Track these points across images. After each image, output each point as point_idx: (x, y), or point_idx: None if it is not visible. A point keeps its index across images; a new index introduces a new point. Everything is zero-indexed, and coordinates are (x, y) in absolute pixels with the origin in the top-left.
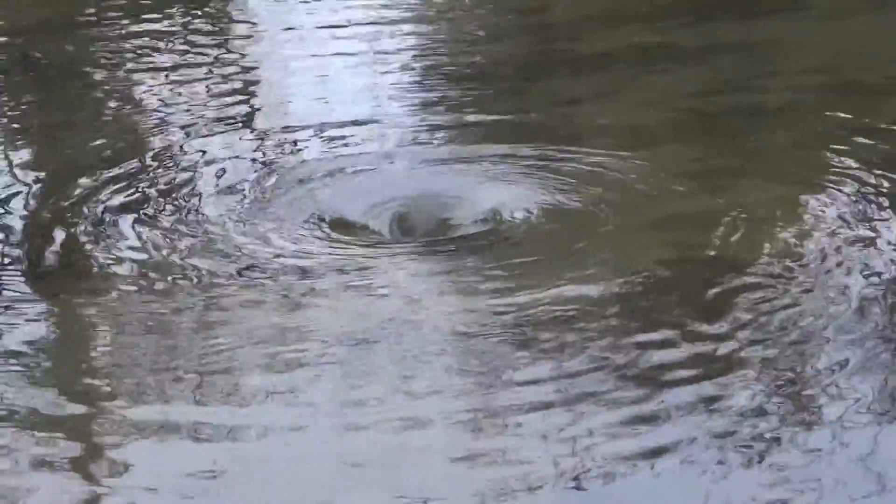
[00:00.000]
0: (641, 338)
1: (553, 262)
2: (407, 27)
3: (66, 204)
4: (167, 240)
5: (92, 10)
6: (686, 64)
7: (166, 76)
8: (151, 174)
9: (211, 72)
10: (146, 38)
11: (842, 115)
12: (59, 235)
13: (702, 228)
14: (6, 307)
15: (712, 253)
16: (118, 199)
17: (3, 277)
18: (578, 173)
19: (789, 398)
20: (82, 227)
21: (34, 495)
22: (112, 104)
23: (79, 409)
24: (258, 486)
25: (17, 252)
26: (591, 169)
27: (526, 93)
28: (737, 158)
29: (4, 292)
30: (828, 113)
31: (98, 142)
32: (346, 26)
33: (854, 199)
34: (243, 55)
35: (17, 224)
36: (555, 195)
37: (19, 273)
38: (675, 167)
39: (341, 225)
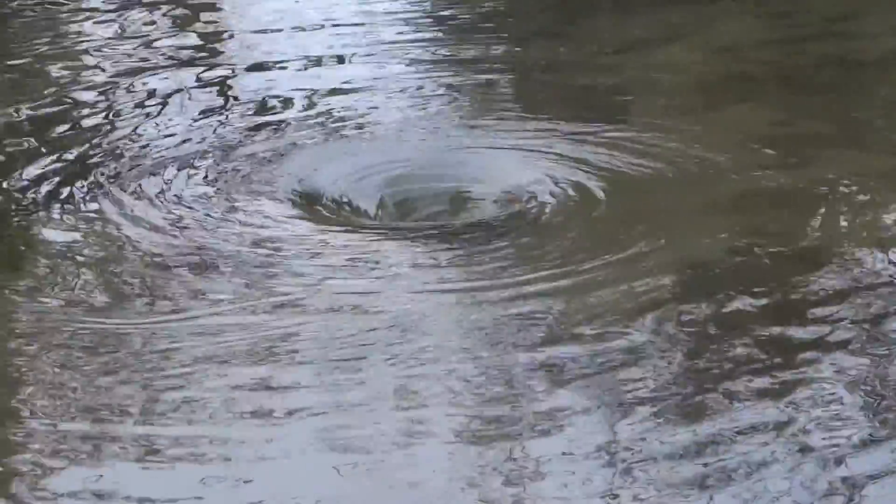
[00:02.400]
0: (703, 355)
1: (595, 253)
2: None
3: None
4: (110, 223)
5: None
6: (765, 3)
7: (113, 23)
8: (90, 136)
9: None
10: None
11: None
12: None
13: (782, 210)
14: None
15: (794, 242)
16: (42, 170)
17: None
18: (627, 142)
19: (880, 423)
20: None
21: None
22: (43, 57)
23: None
24: None
25: None
26: (642, 136)
27: (563, 37)
28: (827, 123)
29: None
30: None
31: (25, 102)
32: None
33: None
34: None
35: None
36: (598, 170)
37: None
38: (749, 133)
39: (328, 206)
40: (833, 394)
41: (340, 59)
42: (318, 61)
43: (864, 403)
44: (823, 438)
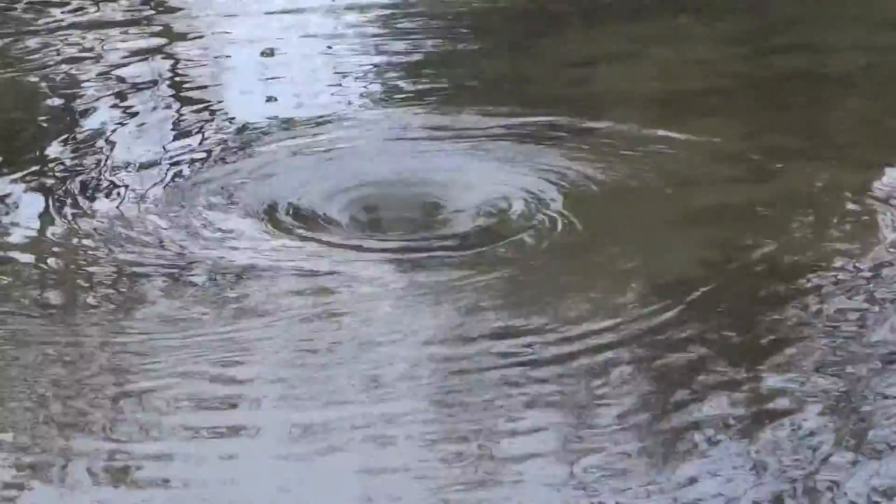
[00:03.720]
0: (674, 366)
1: (564, 268)
2: None
3: None
4: (79, 236)
5: None
6: (731, 15)
7: (82, 37)
8: (58, 155)
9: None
10: None
11: None
12: None
13: (750, 224)
14: None
15: (763, 254)
16: (13, 177)
17: None
18: (595, 155)
19: (855, 436)
20: None
21: None
22: (12, 64)
23: None
24: None
25: None
26: (611, 149)
27: (529, 50)
28: (795, 136)
29: None
30: None
31: None
32: None
33: None
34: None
35: None
36: (565, 183)
37: None
38: (718, 146)
39: (296, 215)
40: (803, 408)
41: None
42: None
43: (833, 415)
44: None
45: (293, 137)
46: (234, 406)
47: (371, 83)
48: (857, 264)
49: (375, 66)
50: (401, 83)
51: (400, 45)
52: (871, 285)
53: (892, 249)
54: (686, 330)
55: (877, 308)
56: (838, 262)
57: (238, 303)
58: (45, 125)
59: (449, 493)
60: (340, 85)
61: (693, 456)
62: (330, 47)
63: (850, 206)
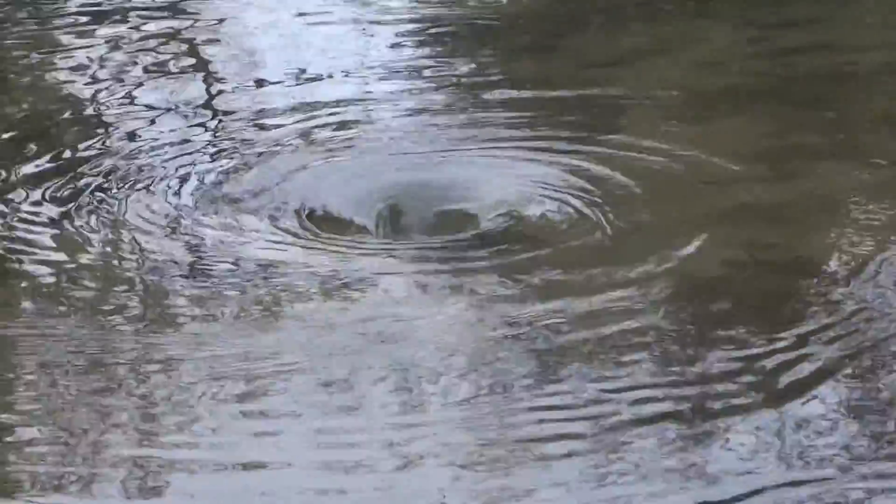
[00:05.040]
0: (696, 363)
1: (587, 267)
2: None
3: None
4: (101, 235)
5: None
6: (753, 13)
7: (108, 44)
8: (82, 150)
9: (152, 27)
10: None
11: None
12: None
13: (773, 224)
14: None
15: (785, 254)
16: (40, 183)
17: None
18: (618, 154)
19: (870, 435)
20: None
21: None
22: (40, 74)
23: None
24: None
25: None
26: (633, 148)
27: (552, 52)
28: (817, 135)
29: None
30: None
31: (14, 111)
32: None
33: None
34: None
35: None
36: (589, 183)
37: None
38: (741, 146)
39: (323, 220)
40: (820, 400)
41: (330, 76)
42: (309, 78)
43: (850, 411)
44: (808, 441)
45: (323, 142)
46: (265, 394)
47: (399, 85)
48: (877, 261)
49: (404, 67)
50: (429, 84)
51: (429, 48)
52: (889, 284)
53: None
54: (700, 321)
55: (885, 301)
56: (859, 260)
57: (269, 295)
58: (78, 127)
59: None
60: (368, 84)
61: (719, 436)
62: (360, 46)
63: (872, 205)
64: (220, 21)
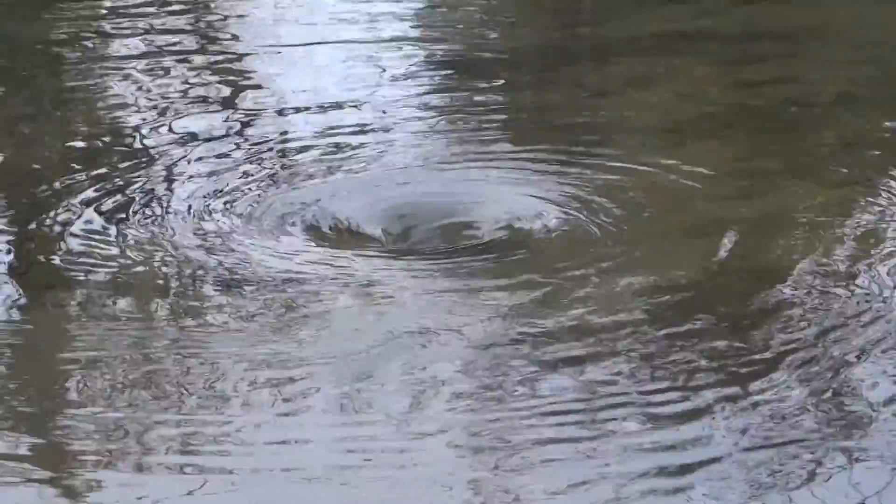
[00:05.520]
0: (672, 357)
1: (577, 274)
2: (421, 11)
3: (32, 204)
4: (145, 245)
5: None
6: (725, 52)
7: (153, 76)
8: (127, 171)
9: (192, 58)
10: (126, 19)
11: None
12: (25, 238)
13: (741, 236)
14: None
15: (756, 263)
16: (90, 199)
17: None
18: (605, 174)
19: (829, 421)
20: (49, 231)
21: None
22: (83, 93)
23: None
24: None
25: None
26: (619, 169)
27: (548, 83)
28: (780, 158)
29: None
30: (879, 107)
31: (70, 137)
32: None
33: None
34: (228, 39)
35: None
36: (579, 199)
37: None
38: (714, 168)
39: (342, 232)
40: (788, 397)
41: (351, 105)
42: (333, 105)
43: (812, 407)
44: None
45: (342, 163)
46: (292, 382)
47: (413, 110)
48: (834, 268)
49: (418, 95)
50: (438, 111)
51: (439, 78)
52: (843, 289)
53: (860, 255)
54: (680, 323)
55: (841, 303)
56: (816, 267)
57: (296, 299)
58: (124, 151)
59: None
60: (384, 112)
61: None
62: (377, 83)
63: (827, 219)
64: (243, 57)
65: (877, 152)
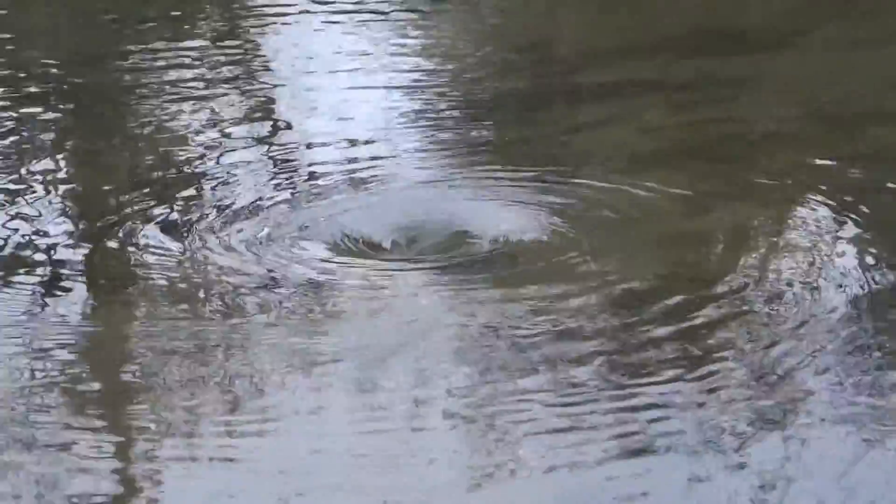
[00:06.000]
0: (635, 340)
1: (552, 279)
2: (422, 62)
3: (103, 222)
4: (197, 256)
5: (129, 46)
6: (678, 97)
7: (194, 103)
8: (182, 194)
9: (234, 101)
10: (177, 69)
11: (818, 143)
12: (97, 251)
13: (690, 247)
14: (48, 317)
15: (700, 270)
16: (151, 218)
17: (55, 290)
18: (578, 196)
19: (765, 402)
20: (116, 244)
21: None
22: (145, 129)
23: (110, 413)
24: (279, 472)
25: (62, 262)
26: (589, 192)
27: (529, 121)
28: (724, 182)
29: (49, 302)
30: (806, 142)
31: (132, 164)
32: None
33: (827, 220)
34: (266, 82)
35: (60, 240)
36: (556, 216)
37: (62, 285)
38: (667, 191)
39: (357, 243)
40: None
41: (366, 142)
42: (352, 140)
43: (753, 397)
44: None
45: (360, 186)
46: (318, 368)
47: (413, 145)
48: (767, 274)
49: (422, 131)
50: (435, 145)
51: (434, 117)
52: (773, 289)
53: (791, 267)
54: (646, 324)
55: (779, 308)
56: (753, 273)
57: (321, 300)
58: (182, 176)
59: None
60: (392, 144)
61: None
62: (388, 122)
63: (765, 233)
64: (281, 98)
65: (801, 179)
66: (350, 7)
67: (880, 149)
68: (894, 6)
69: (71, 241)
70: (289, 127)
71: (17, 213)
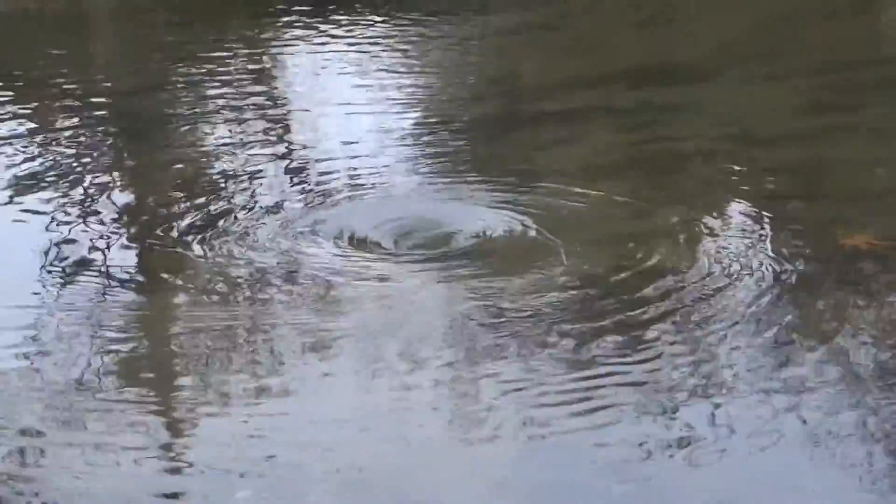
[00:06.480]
0: (588, 319)
1: (517, 269)
2: (413, 92)
3: (150, 225)
4: (231, 251)
5: (176, 78)
6: (622, 121)
7: (230, 129)
8: (213, 200)
9: (257, 124)
10: (211, 99)
11: (740, 159)
12: (146, 250)
13: (634, 244)
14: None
15: (641, 261)
16: (189, 220)
17: (109, 281)
18: (541, 202)
19: (696, 375)
20: (162, 243)
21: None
22: (184, 148)
23: (157, 377)
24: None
25: (118, 258)
26: (549, 198)
27: (500, 140)
28: (660, 190)
29: (109, 291)
30: (727, 157)
31: (174, 176)
32: (362, 103)
33: (745, 220)
34: (282, 107)
35: (115, 240)
36: (523, 219)
37: (114, 278)
38: (612, 198)
39: (359, 241)
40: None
41: (370, 155)
42: (355, 155)
43: (681, 374)
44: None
45: (361, 194)
46: (329, 342)
47: (405, 159)
48: (700, 267)
49: (412, 148)
50: (423, 158)
51: (425, 137)
52: (703, 279)
53: (718, 260)
54: (598, 303)
55: (708, 294)
56: (688, 266)
57: (332, 287)
58: (215, 182)
59: None
60: (388, 160)
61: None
62: (384, 141)
63: (695, 231)
64: (298, 123)
65: (723, 187)
66: (347, 47)
67: (787, 162)
68: (784, 51)
69: (124, 241)
70: (301, 144)
71: (83, 219)
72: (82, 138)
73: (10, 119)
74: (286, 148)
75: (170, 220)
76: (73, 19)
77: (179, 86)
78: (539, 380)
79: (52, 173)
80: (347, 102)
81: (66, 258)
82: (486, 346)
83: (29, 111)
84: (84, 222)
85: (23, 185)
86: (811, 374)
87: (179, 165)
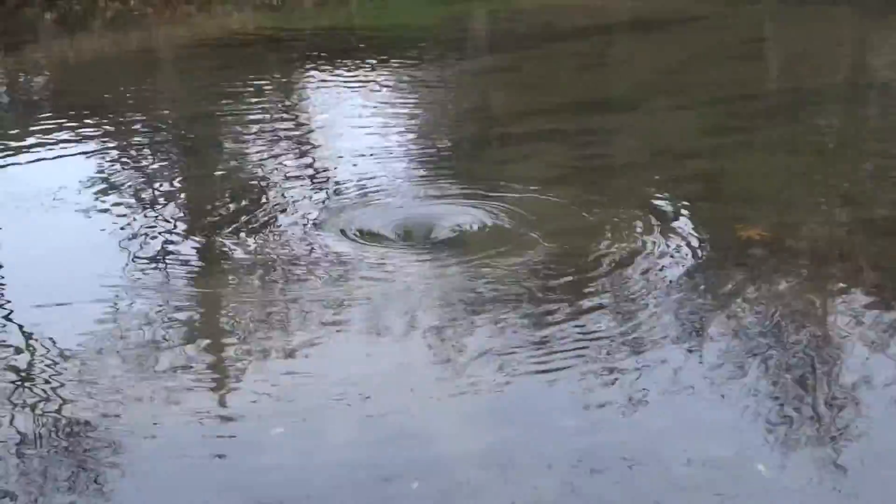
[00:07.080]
0: (546, 295)
1: (489, 253)
2: (408, 121)
3: (205, 225)
4: (268, 242)
5: (224, 109)
6: (571, 141)
7: (263, 144)
8: (254, 204)
9: (288, 143)
10: (253, 123)
11: (659, 170)
12: (203, 243)
13: (578, 236)
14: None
15: (585, 249)
16: (235, 220)
17: (168, 272)
18: (506, 204)
19: (627, 336)
20: (214, 238)
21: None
22: (231, 162)
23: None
24: (322, 368)
25: (181, 250)
26: (513, 201)
27: (475, 156)
28: (603, 195)
29: (173, 275)
30: (651, 169)
31: (224, 185)
32: (366, 127)
33: (666, 217)
34: (308, 130)
35: (178, 237)
36: (492, 217)
37: (171, 271)
38: (567, 203)
39: (366, 234)
40: (592, 336)
41: (374, 176)
42: (364, 175)
43: (616, 333)
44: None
45: (369, 200)
46: (343, 309)
47: (402, 171)
48: (630, 255)
49: (406, 164)
50: (416, 171)
51: (415, 154)
52: (634, 265)
53: (644, 250)
54: (550, 281)
55: (634, 276)
56: (622, 253)
57: (345, 269)
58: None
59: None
60: (389, 171)
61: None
62: (387, 164)
63: (627, 227)
64: (311, 132)
65: (648, 192)
66: (354, 85)
67: (697, 173)
68: (693, 85)
69: (186, 238)
70: (321, 159)
71: (152, 220)
72: (151, 156)
73: (96, 138)
74: (309, 162)
75: (221, 219)
76: (144, 62)
77: (226, 115)
78: (508, 339)
79: (128, 182)
80: (356, 126)
81: (140, 248)
82: (468, 312)
83: (109, 133)
84: (154, 220)
85: (105, 190)
86: (715, 333)
87: (227, 177)
